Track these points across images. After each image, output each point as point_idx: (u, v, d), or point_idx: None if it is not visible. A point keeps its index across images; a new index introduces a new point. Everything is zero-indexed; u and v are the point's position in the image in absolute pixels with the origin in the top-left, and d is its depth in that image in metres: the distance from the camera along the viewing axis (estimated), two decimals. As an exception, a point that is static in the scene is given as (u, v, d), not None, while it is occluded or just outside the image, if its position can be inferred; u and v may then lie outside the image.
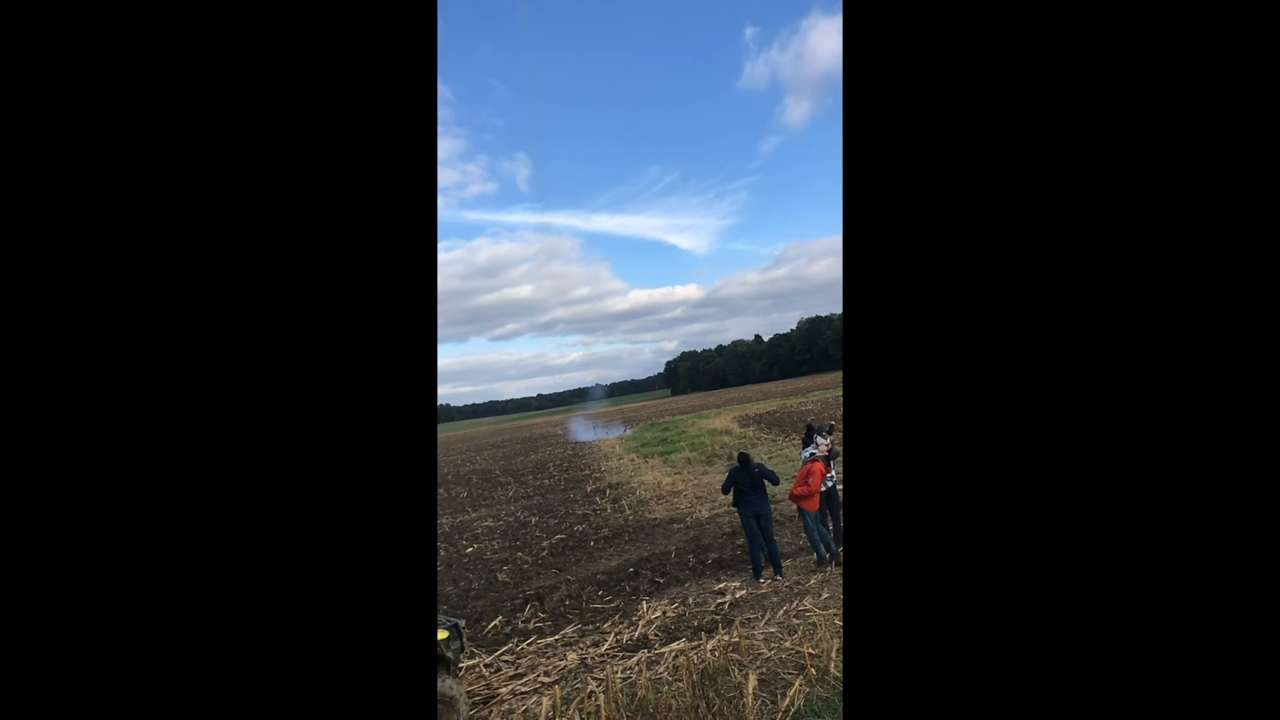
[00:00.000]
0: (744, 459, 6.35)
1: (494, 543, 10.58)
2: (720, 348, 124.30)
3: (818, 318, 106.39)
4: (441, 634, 3.85)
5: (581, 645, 5.13)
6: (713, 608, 5.54)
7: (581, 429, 35.14)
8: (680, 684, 3.98)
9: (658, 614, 5.47)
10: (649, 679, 4.09)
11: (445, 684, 3.73)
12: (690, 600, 5.73)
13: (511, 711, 4.09)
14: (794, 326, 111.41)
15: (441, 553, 10.47)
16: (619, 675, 4.19)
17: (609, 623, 5.55)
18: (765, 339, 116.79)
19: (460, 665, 4.25)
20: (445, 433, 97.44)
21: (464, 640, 4.03)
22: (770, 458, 15.25)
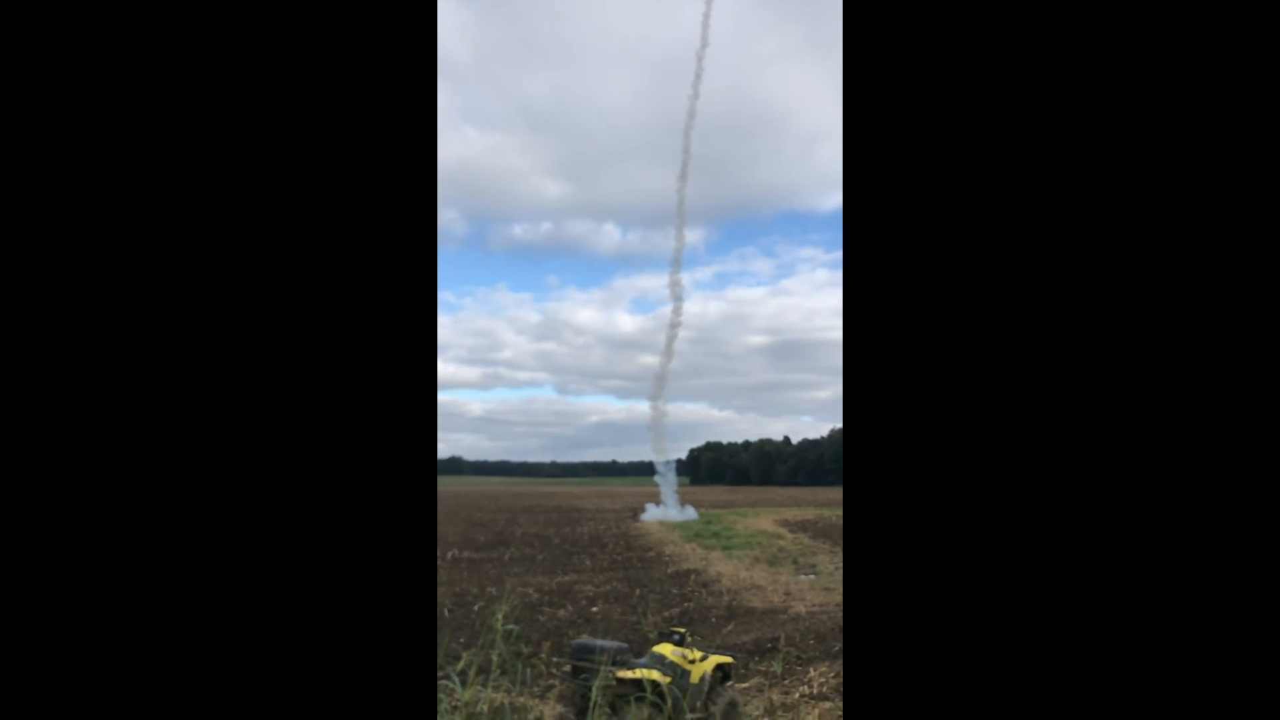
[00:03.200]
0: None
1: (613, 607, 12.32)
2: (747, 443, 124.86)
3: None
4: (728, 659, 5.73)
5: (773, 694, 6.96)
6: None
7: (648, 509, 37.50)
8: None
9: (824, 678, 7.27)
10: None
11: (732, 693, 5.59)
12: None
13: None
14: (825, 434, 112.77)
15: (568, 609, 12.23)
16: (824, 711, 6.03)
17: (787, 682, 7.36)
18: (794, 441, 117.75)
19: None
20: (462, 486, 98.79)
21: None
22: (836, 570, 16.84)
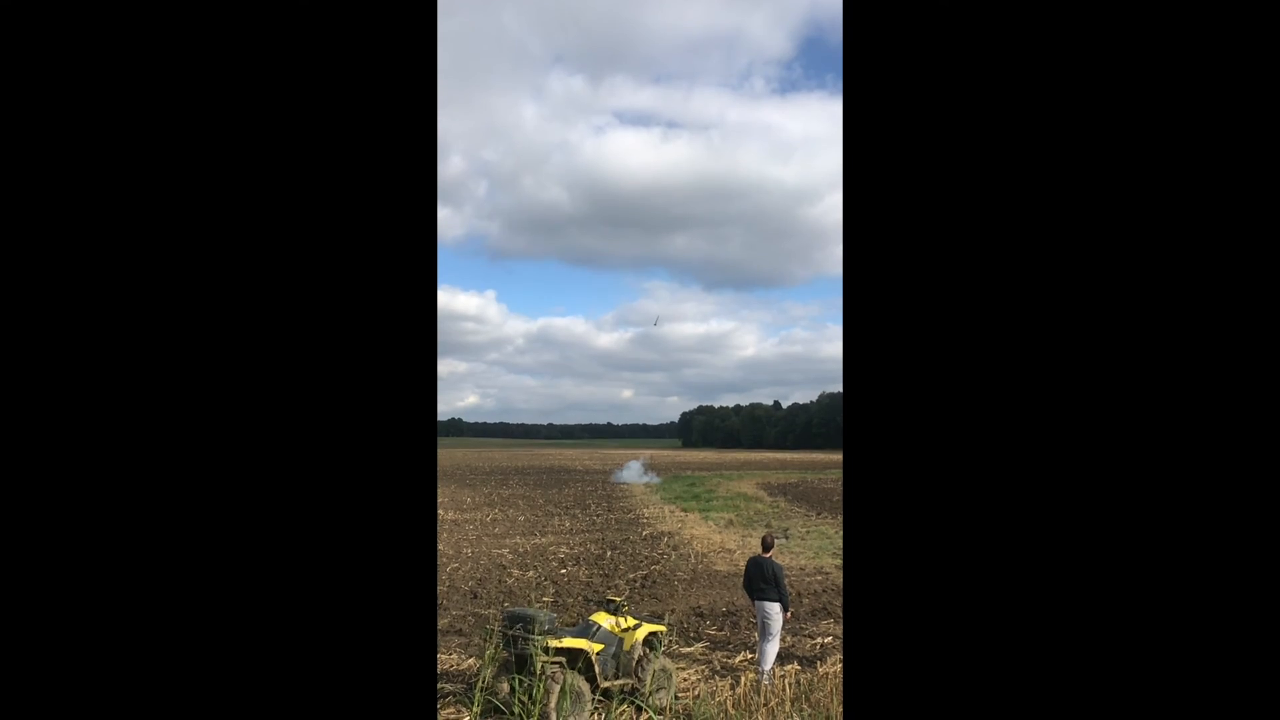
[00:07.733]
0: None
1: (582, 569, 12.57)
2: (738, 407, 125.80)
3: (839, 394, 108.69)
4: (660, 627, 5.91)
5: (716, 657, 7.18)
6: (808, 647, 7.58)
7: (621, 471, 38.65)
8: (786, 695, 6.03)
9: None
10: (778, 682, 6.14)
11: (662, 661, 5.78)
12: (789, 639, 7.76)
13: (698, 695, 6.12)
14: (814, 399, 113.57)
15: (537, 569, 12.48)
16: (761, 679, 6.25)
17: (730, 646, 7.58)
18: (784, 405, 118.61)
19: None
20: (461, 448, 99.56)
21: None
22: (807, 534, 17.17)
